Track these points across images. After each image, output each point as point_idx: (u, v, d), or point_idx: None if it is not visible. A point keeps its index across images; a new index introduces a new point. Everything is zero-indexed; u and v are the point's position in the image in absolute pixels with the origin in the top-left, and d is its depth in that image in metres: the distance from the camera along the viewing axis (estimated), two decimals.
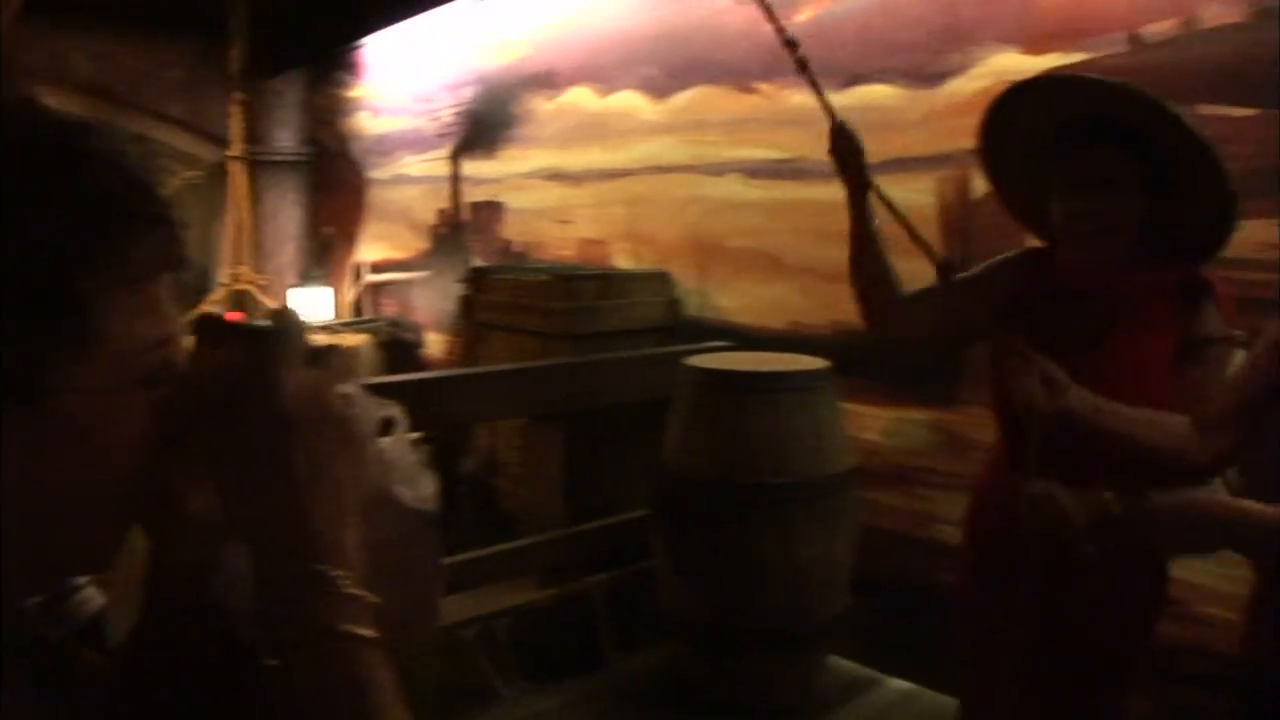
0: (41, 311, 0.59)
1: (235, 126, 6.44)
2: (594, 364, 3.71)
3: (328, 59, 7.00)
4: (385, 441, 0.75)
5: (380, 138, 6.62)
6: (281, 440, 0.64)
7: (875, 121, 3.33)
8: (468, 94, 5.72)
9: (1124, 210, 1.95)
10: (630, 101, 4.62)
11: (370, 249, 6.79)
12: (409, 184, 6.32)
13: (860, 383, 3.57)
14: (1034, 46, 3.16)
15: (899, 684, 3.46)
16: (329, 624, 0.62)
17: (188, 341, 0.68)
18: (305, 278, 7.07)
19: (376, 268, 6.70)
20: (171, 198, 0.69)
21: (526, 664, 3.55)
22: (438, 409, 3.43)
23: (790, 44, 2.35)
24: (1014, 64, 3.18)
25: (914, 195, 3.23)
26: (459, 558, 3.45)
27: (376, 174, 6.68)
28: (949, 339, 2.58)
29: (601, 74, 4.78)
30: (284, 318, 0.69)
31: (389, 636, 0.63)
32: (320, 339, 0.73)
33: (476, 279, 4.53)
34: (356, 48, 6.71)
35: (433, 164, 6.04)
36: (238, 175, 6.47)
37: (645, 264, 4.56)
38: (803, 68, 2.33)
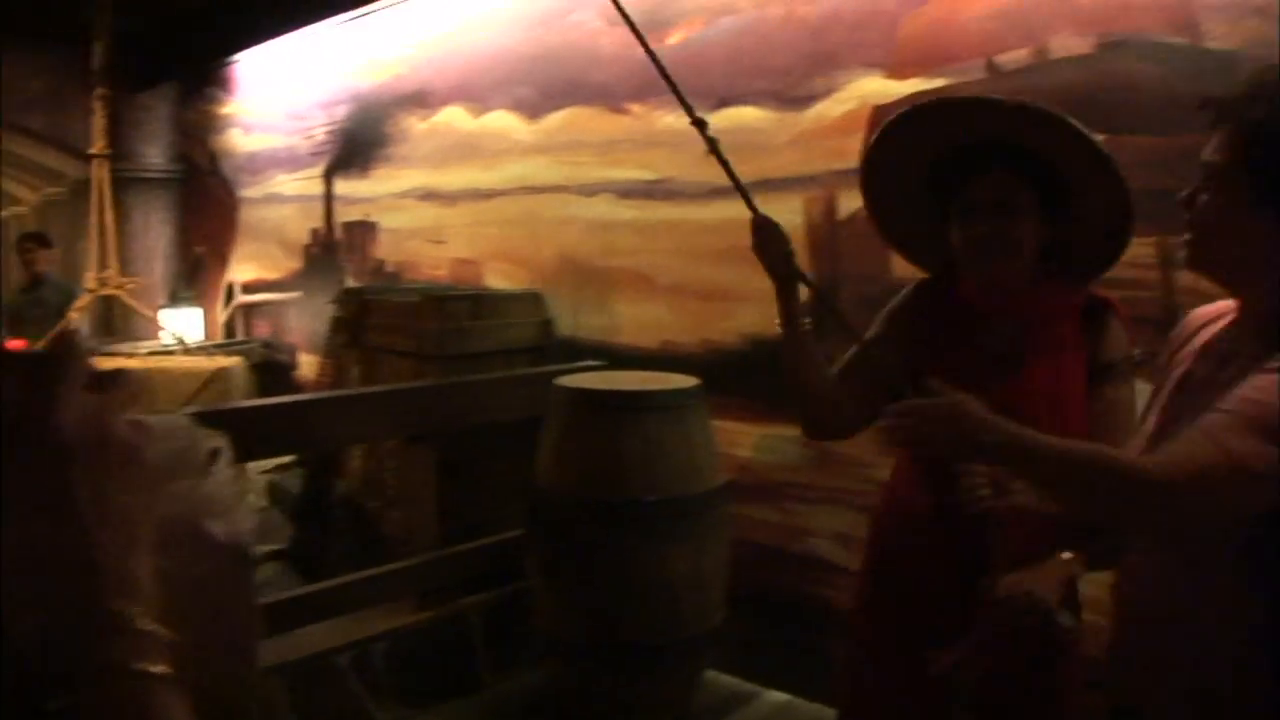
0: None
1: (98, 123, 6.20)
2: (466, 385, 3.68)
3: (199, 74, 6.84)
4: (204, 474, 0.73)
5: (252, 155, 6.49)
6: (60, 469, 0.61)
7: (745, 143, 3.40)
8: (341, 112, 5.66)
9: (1026, 232, 1.93)
10: (504, 121, 4.62)
11: (242, 269, 6.64)
12: (282, 203, 6.20)
13: (731, 400, 3.62)
14: (897, 72, 3.25)
15: (777, 696, 3.48)
16: (119, 661, 0.58)
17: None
18: (175, 298, 6.88)
19: (249, 288, 6.56)
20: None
21: (403, 688, 3.51)
22: (310, 432, 3.38)
23: (699, 123, 2.14)
24: (878, 88, 3.28)
25: (783, 215, 3.26)
26: (332, 582, 3.40)
27: (248, 192, 6.54)
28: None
29: (475, 94, 4.77)
30: (64, 343, 0.66)
31: (192, 676, 0.61)
32: (106, 363, 0.70)
33: (348, 300, 4.47)
34: (229, 63, 6.58)
35: (306, 183, 5.95)
36: (100, 175, 6.22)
37: (518, 284, 4.56)
38: (712, 147, 2.13)
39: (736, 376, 3.62)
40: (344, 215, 5.70)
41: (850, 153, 3.32)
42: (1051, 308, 1.97)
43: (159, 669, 0.60)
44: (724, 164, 2.12)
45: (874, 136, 2.07)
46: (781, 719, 3.39)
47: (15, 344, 4.98)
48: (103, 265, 6.19)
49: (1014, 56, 2.98)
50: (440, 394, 3.61)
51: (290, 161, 6.09)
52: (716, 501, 3.22)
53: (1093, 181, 1.86)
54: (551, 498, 3.20)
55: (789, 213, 3.39)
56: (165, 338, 6.15)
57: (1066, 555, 1.71)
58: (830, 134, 3.41)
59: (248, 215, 6.57)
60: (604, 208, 4.17)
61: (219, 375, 4.51)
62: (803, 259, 2.59)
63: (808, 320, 2.09)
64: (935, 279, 2.16)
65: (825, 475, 3.42)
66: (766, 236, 2.08)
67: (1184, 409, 1.54)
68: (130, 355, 5.09)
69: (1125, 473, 1.45)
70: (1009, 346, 1.95)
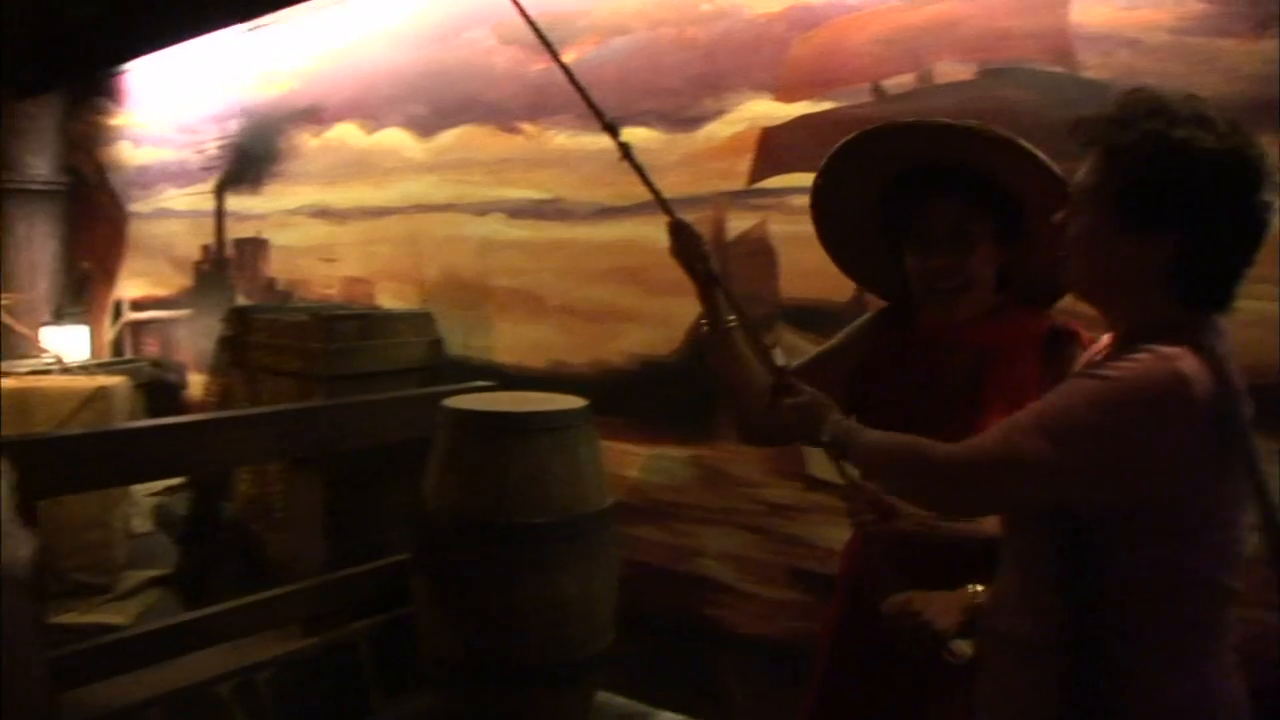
0: None
1: None
2: (353, 406, 3.63)
3: (87, 83, 6.63)
4: None
5: (142, 169, 6.31)
6: None
7: None
8: (233, 126, 5.54)
9: (981, 260, 1.92)
10: (396, 139, 4.57)
11: (131, 285, 6.46)
12: (172, 218, 6.05)
13: (620, 420, 3.62)
14: (786, 94, 3.29)
15: (670, 716, 3.49)
16: None
17: None
18: (60, 315, 6.64)
19: (137, 305, 6.37)
20: None
21: (290, 717, 3.43)
22: (194, 454, 3.33)
23: (611, 129, 2.14)
24: (767, 110, 3.32)
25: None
26: (215, 609, 3.32)
27: (138, 207, 6.37)
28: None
29: (368, 110, 4.71)
30: None
31: None
32: None
33: (237, 318, 4.38)
34: (119, 73, 6.38)
35: (196, 198, 5.81)
36: None
37: (409, 303, 4.51)
38: (625, 153, 2.13)
39: (626, 397, 3.63)
40: (235, 231, 5.57)
41: (739, 174, 3.37)
42: (1013, 337, 1.94)
43: None
44: (637, 169, 2.14)
45: (821, 165, 2.05)
46: None
47: None
48: None
49: (899, 81, 3.04)
50: (328, 415, 3.56)
51: (181, 176, 5.94)
52: (603, 523, 3.22)
53: (1046, 203, 1.79)
54: (438, 520, 3.17)
55: None
56: (47, 356, 5.95)
57: (977, 588, 1.71)
58: (720, 155, 3.43)
59: (137, 230, 6.39)
60: (495, 227, 4.15)
61: (99, 395, 4.35)
62: None
63: (733, 319, 2.10)
64: (894, 308, 2.15)
65: (714, 496, 3.44)
66: (684, 238, 2.10)
67: None
68: (7, 374, 4.90)
69: (929, 457, 1.57)
70: (967, 382, 1.93)
